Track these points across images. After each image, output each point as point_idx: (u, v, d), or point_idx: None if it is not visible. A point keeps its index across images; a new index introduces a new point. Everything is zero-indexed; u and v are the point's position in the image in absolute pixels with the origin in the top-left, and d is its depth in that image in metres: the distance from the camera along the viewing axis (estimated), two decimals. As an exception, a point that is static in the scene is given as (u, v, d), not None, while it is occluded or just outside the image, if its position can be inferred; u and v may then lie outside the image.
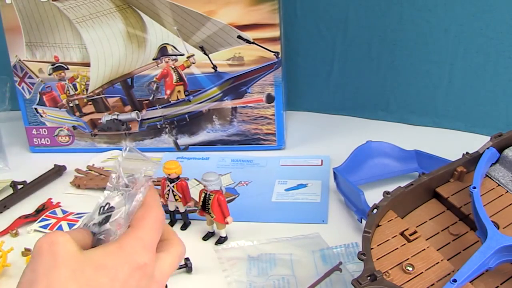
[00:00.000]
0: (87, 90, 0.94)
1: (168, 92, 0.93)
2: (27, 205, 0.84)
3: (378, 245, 0.55)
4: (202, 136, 0.96)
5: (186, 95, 0.93)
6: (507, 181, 0.63)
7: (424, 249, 0.55)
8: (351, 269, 0.65)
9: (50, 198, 0.84)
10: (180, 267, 0.67)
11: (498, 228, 0.56)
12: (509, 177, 0.63)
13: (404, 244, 0.56)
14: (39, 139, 0.99)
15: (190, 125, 0.95)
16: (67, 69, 0.93)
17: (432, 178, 0.62)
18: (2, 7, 0.90)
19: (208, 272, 0.67)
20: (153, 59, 0.92)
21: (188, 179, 0.84)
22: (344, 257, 0.68)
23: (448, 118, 0.98)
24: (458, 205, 0.61)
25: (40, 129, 0.98)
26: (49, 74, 0.94)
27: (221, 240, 0.73)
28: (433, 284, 0.51)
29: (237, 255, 0.69)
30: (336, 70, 1.03)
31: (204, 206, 0.71)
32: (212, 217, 0.71)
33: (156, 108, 0.94)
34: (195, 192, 0.77)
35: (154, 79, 0.93)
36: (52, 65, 0.93)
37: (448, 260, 0.54)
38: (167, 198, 0.74)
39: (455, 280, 0.48)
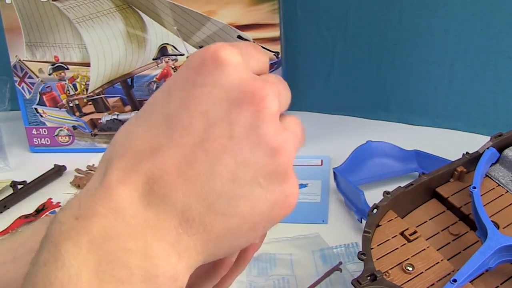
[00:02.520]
0: (87, 90, 0.94)
1: (168, 92, 0.93)
2: (27, 205, 0.84)
3: (378, 245, 0.55)
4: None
5: (186, 95, 0.93)
6: (507, 181, 0.63)
7: (424, 249, 0.55)
8: (351, 269, 0.65)
9: (50, 198, 0.84)
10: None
11: (498, 228, 0.56)
12: (509, 177, 0.63)
13: (404, 244, 0.56)
14: (39, 139, 0.99)
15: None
16: (67, 69, 0.93)
17: (432, 178, 0.62)
18: (2, 7, 0.90)
19: (208, 272, 0.67)
20: (153, 59, 0.92)
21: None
22: (344, 257, 0.68)
23: (448, 118, 0.98)
24: (458, 205, 0.61)
25: (40, 129, 0.98)
26: (49, 74, 0.94)
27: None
28: (433, 284, 0.51)
29: (237, 255, 0.69)
30: (336, 70, 1.03)
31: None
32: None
33: (156, 108, 0.94)
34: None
35: (154, 79, 0.93)
36: (52, 65, 0.93)
37: (448, 260, 0.54)
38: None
39: (455, 280, 0.48)
